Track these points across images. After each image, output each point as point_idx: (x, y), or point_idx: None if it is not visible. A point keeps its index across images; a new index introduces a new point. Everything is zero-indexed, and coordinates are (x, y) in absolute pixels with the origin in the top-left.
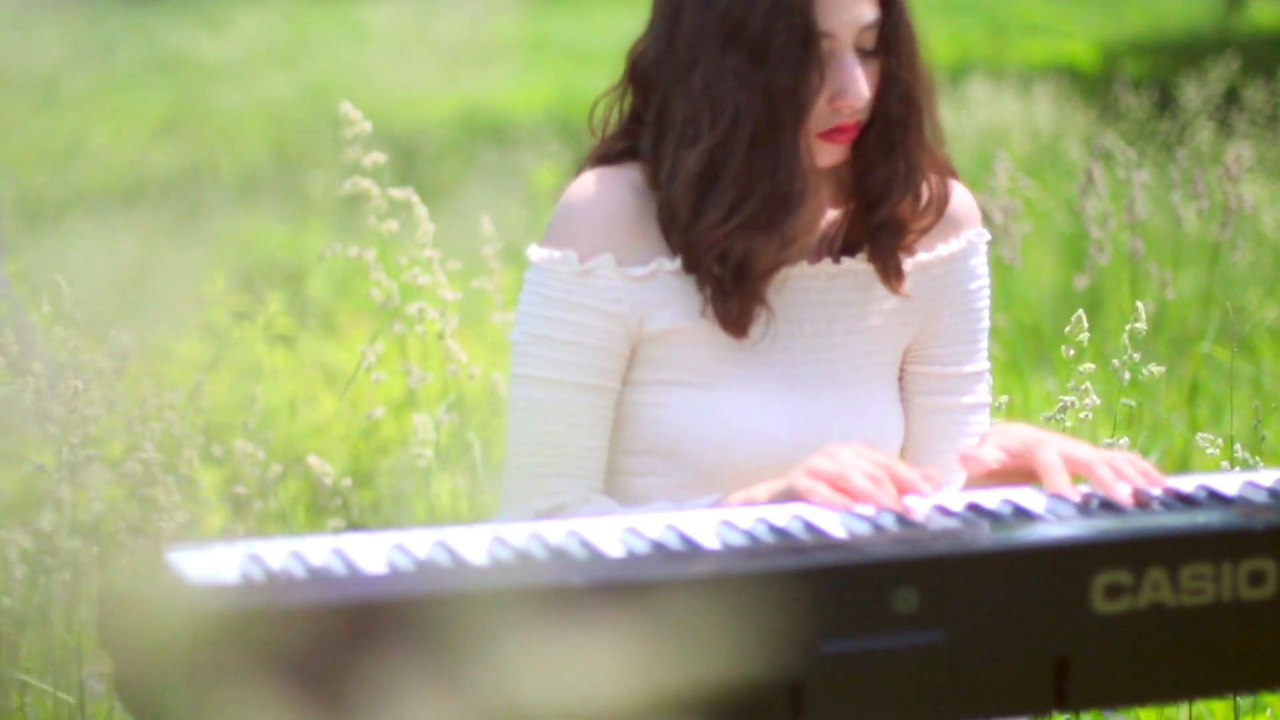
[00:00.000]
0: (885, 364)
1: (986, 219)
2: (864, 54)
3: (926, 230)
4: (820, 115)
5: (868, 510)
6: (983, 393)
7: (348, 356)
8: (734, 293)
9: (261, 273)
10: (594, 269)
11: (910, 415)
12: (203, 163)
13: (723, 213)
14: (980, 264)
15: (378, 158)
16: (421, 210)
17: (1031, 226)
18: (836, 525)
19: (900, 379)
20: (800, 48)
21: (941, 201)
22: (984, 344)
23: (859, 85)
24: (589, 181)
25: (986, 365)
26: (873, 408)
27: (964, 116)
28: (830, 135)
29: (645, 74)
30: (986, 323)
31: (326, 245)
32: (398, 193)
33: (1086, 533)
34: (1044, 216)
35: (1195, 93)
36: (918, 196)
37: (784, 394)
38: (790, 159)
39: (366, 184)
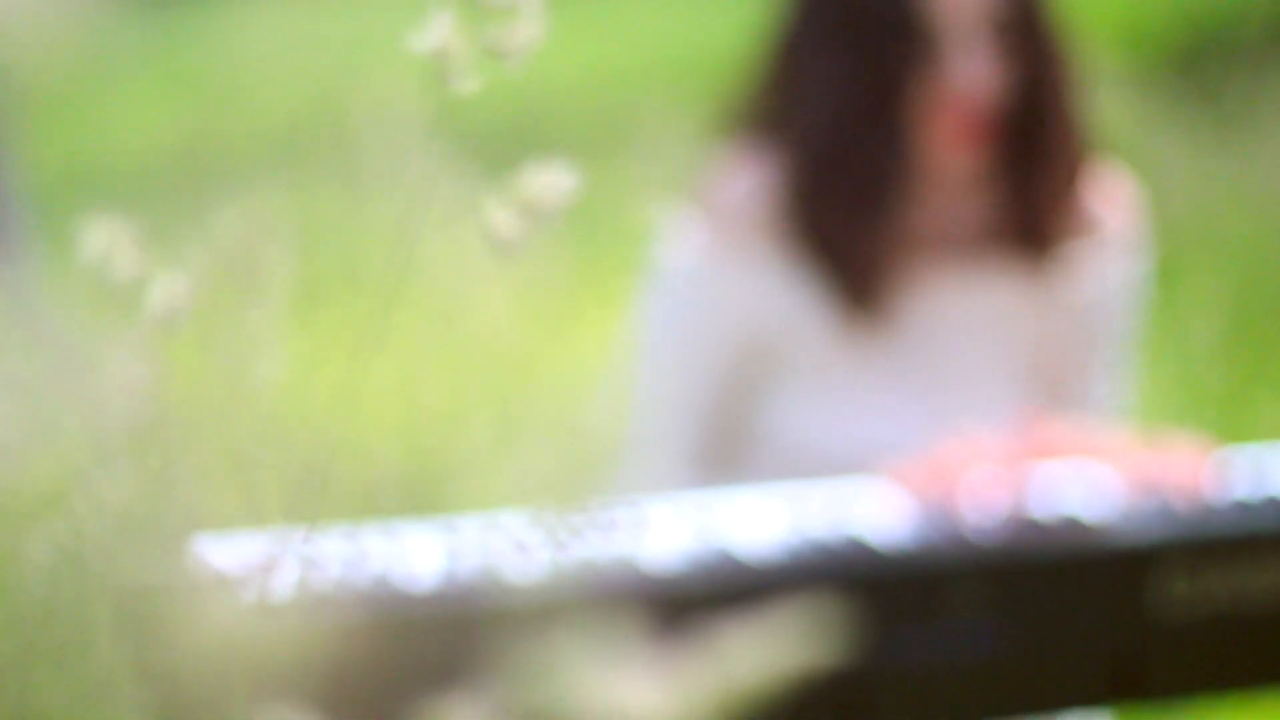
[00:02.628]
0: (1032, 376)
1: None
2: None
3: (1062, 209)
4: (938, 103)
5: (919, 518)
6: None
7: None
8: (842, 277)
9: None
10: (732, 258)
11: None
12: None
13: (805, 193)
14: (1122, 281)
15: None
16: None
17: None
18: (886, 534)
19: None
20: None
21: (1073, 190)
22: (1124, 370)
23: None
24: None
25: (1124, 397)
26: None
27: None
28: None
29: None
30: (1129, 345)
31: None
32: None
33: (1148, 535)
34: None
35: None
36: (1053, 174)
37: (917, 398)
38: (886, 141)
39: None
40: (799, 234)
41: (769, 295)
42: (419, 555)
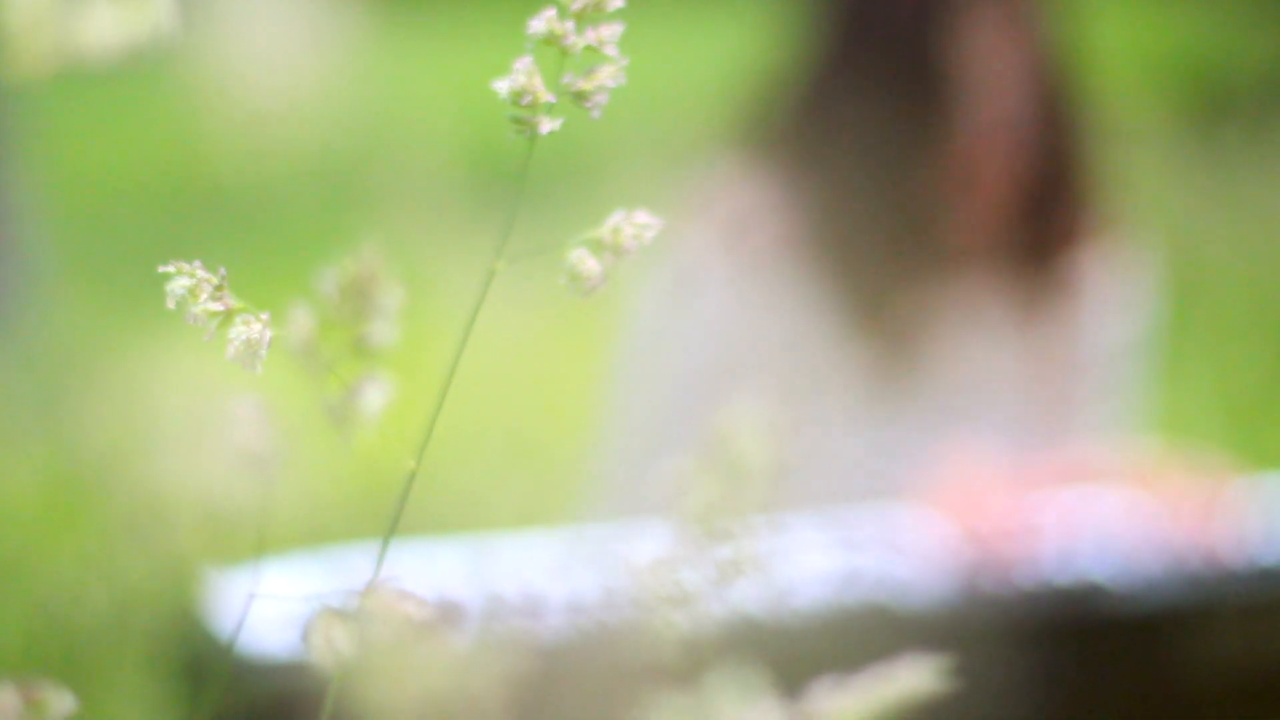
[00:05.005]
0: (1027, 411)
1: None
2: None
3: (1065, 271)
4: (960, 164)
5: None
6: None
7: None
8: (859, 313)
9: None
10: (758, 284)
11: None
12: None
13: (828, 229)
14: (1115, 338)
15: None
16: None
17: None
18: (919, 595)
19: None
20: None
21: (1076, 255)
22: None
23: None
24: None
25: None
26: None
27: None
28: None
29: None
30: (1128, 383)
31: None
32: None
33: (1175, 601)
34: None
35: None
36: (1060, 240)
37: (924, 429)
38: (909, 195)
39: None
40: (821, 268)
41: (792, 321)
42: (548, 580)
